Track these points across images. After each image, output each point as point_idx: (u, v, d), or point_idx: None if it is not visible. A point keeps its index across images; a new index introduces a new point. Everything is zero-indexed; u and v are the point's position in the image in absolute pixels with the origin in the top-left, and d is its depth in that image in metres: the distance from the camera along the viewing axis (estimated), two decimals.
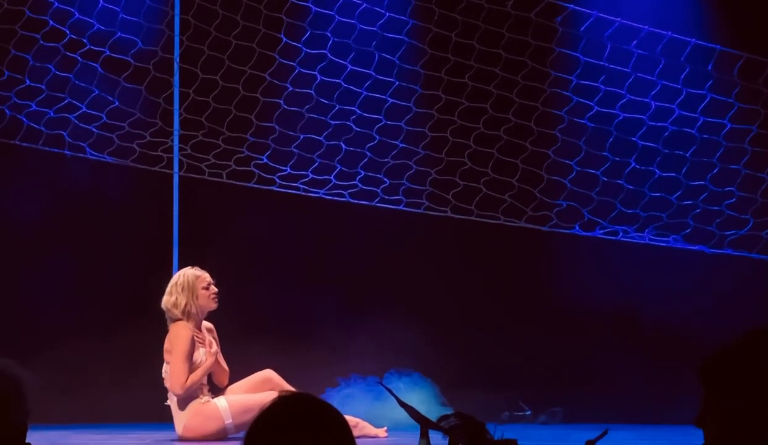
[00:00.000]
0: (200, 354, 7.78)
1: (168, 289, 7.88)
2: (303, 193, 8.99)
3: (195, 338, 7.80)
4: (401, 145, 9.13)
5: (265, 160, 8.99)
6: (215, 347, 7.90)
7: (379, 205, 8.98)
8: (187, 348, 7.66)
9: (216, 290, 7.90)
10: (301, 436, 2.35)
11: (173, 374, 7.63)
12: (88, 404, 9.71)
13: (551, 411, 10.02)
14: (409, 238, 10.25)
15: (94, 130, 8.96)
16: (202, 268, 8.02)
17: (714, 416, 2.62)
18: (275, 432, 2.37)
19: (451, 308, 10.31)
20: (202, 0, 8.97)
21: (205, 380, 7.91)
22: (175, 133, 9.11)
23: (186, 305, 7.78)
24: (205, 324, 7.98)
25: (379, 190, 8.97)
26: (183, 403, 7.77)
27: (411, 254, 10.39)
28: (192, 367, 7.72)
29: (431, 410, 8.65)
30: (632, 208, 8.95)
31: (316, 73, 9.10)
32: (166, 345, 7.78)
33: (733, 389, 2.61)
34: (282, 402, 2.40)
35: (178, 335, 7.70)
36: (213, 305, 7.87)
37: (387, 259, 10.38)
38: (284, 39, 9.09)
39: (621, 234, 8.89)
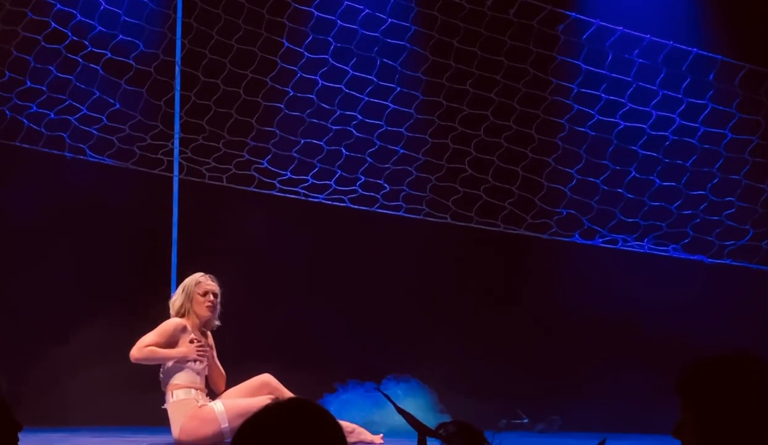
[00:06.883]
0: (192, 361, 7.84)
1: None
2: (303, 198, 8.98)
3: (194, 339, 7.83)
4: (402, 151, 9.12)
5: (266, 164, 8.98)
6: (209, 353, 7.93)
7: (379, 210, 8.97)
8: (167, 328, 7.76)
9: (212, 299, 7.91)
10: (292, 440, 2.32)
11: (141, 339, 7.71)
12: (86, 407, 9.70)
13: (549, 419, 10.00)
14: (408, 244, 10.24)
15: (94, 132, 8.96)
16: (204, 271, 8.03)
17: (693, 428, 2.65)
18: (263, 437, 2.32)
19: (448, 315, 10.30)
20: (204, 3, 8.97)
21: (203, 385, 7.91)
22: (176, 136, 9.10)
23: (181, 306, 7.91)
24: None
25: (379, 196, 8.96)
26: (179, 405, 7.76)
27: (409, 260, 10.38)
28: (180, 365, 7.78)
29: (429, 417, 8.64)
30: (632, 217, 8.93)
31: (317, 77, 9.09)
32: None
33: (710, 401, 2.63)
34: (271, 408, 2.36)
35: (167, 321, 7.82)
36: (206, 313, 7.90)
37: (386, 265, 10.37)
38: (286, 43, 9.08)
39: (621, 243, 8.88)
